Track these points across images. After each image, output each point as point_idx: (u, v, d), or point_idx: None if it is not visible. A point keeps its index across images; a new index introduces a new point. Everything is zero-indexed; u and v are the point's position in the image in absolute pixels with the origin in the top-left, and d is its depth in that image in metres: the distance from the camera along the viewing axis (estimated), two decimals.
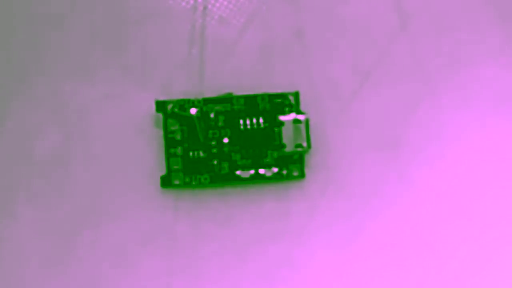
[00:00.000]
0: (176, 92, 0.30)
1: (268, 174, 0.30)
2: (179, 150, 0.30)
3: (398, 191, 0.30)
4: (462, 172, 0.30)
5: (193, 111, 0.30)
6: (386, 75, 0.31)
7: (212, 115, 0.30)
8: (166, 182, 0.30)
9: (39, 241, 0.30)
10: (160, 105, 0.30)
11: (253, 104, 0.30)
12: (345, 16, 0.31)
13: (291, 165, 0.30)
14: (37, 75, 0.31)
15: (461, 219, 0.30)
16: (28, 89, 0.30)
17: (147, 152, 0.30)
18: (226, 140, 0.30)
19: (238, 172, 0.30)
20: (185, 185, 0.30)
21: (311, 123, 0.30)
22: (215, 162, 0.30)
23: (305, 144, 0.30)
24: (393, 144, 0.30)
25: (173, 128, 0.30)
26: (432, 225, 0.30)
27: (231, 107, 0.30)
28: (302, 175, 0.30)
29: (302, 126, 0.30)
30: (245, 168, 0.30)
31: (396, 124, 0.30)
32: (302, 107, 0.30)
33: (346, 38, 0.31)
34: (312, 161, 0.30)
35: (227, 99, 0.30)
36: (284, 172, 0.30)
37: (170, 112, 0.30)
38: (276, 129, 0.30)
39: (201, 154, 0.30)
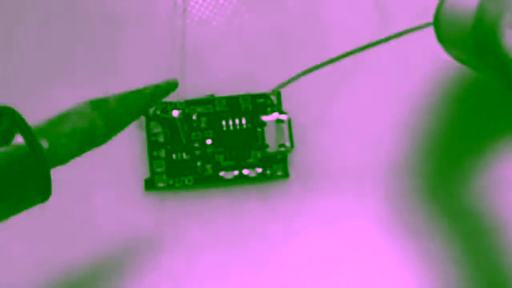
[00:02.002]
0: None
1: (252, 174, 0.30)
2: (162, 153, 0.30)
3: (382, 188, 0.30)
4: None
5: (175, 113, 0.30)
6: (366, 74, 0.31)
7: (194, 117, 0.30)
8: (149, 184, 0.30)
9: (22, 243, 0.30)
10: None
11: (235, 105, 0.30)
12: (325, 16, 0.31)
13: (275, 165, 0.30)
14: (17, 77, 0.30)
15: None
16: (8, 93, 0.30)
17: (130, 155, 0.30)
18: (209, 141, 0.30)
19: (221, 173, 0.30)
20: (169, 187, 0.30)
21: (293, 122, 0.30)
22: (199, 164, 0.30)
23: (288, 144, 0.30)
24: (376, 141, 0.31)
25: (155, 131, 0.30)
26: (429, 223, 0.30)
27: (213, 108, 0.30)
28: (286, 175, 0.30)
29: (285, 126, 0.30)
30: (228, 169, 0.30)
31: (378, 122, 0.31)
32: (284, 107, 0.30)
33: (326, 37, 0.31)
34: (295, 160, 0.30)
35: (209, 100, 0.30)
36: (268, 172, 0.30)
37: (153, 115, 0.30)
38: (259, 129, 0.30)
39: (185, 156, 0.30)
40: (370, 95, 0.31)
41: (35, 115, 0.22)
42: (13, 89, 0.30)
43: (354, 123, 0.31)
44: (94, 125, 0.23)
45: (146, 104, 0.24)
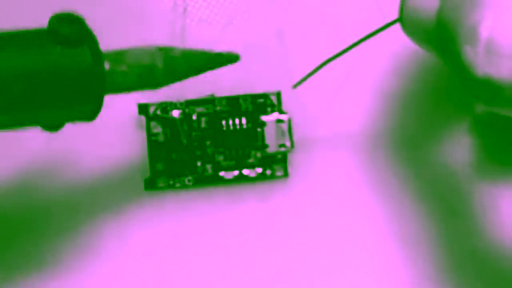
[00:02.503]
0: (158, 94, 0.30)
1: (252, 174, 0.30)
2: (162, 153, 0.30)
3: (381, 189, 0.30)
4: None
5: (175, 113, 0.30)
6: (367, 74, 0.31)
7: (194, 117, 0.30)
8: (150, 184, 0.30)
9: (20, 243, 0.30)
10: (143, 108, 0.30)
11: (235, 105, 0.30)
12: (325, 15, 0.31)
13: (275, 165, 0.30)
14: None
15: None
16: None
17: (130, 155, 0.30)
18: (209, 141, 0.30)
19: (221, 173, 0.30)
20: (169, 187, 0.30)
21: (293, 122, 0.30)
22: (199, 164, 0.30)
23: (288, 144, 0.30)
24: (376, 142, 0.31)
25: (155, 131, 0.30)
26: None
27: (213, 108, 0.30)
28: (285, 175, 0.30)
29: (285, 126, 0.30)
30: (228, 169, 0.30)
31: (378, 122, 0.31)
32: (284, 107, 0.30)
33: (327, 37, 0.31)
34: (295, 160, 0.30)
35: (209, 100, 0.30)
36: (268, 172, 0.30)
37: (153, 115, 0.30)
38: (259, 129, 0.30)
39: (185, 156, 0.30)
40: (370, 95, 0.31)
41: None
42: None
43: (355, 123, 0.31)
44: (155, 65, 0.24)
45: (207, 63, 0.25)
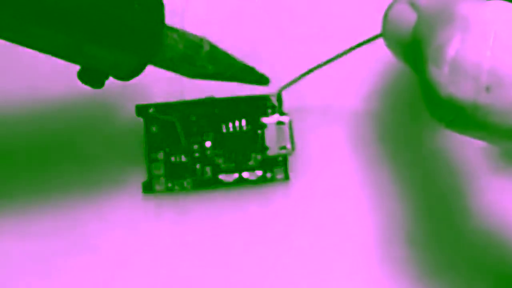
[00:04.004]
0: (157, 96, 0.30)
1: (252, 177, 0.30)
2: (160, 155, 0.29)
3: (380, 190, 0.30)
4: None
5: (174, 115, 0.29)
6: (369, 75, 0.30)
7: (193, 119, 0.30)
8: (148, 187, 0.29)
9: (18, 245, 0.29)
10: (141, 109, 0.29)
11: (235, 106, 0.30)
12: (327, 16, 0.31)
13: (275, 168, 0.30)
14: (15, 77, 0.30)
15: None
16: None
17: (128, 157, 0.30)
18: (208, 143, 0.30)
19: (221, 176, 0.30)
20: (167, 190, 0.29)
21: (294, 124, 0.30)
22: (198, 167, 0.30)
23: (289, 146, 0.29)
24: (378, 145, 0.30)
25: (154, 132, 0.30)
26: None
27: (212, 110, 0.30)
28: (286, 178, 0.30)
29: (286, 128, 0.29)
30: (228, 171, 0.30)
31: (378, 123, 0.30)
32: (284, 109, 0.30)
33: (328, 37, 0.30)
34: (296, 163, 0.30)
35: (208, 102, 0.30)
36: (268, 175, 0.30)
37: (151, 116, 0.29)
38: (259, 131, 0.30)
39: (183, 158, 0.30)
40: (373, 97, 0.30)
41: None
42: None
43: (355, 124, 0.30)
44: (202, 46, 0.25)
45: (240, 72, 0.27)
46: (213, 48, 0.26)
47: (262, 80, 0.28)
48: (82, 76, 0.24)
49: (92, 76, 0.24)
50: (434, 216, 0.30)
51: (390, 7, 0.24)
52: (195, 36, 0.25)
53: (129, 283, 0.29)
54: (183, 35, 0.25)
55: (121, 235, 0.29)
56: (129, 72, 0.24)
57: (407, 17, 0.23)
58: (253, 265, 0.30)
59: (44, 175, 0.30)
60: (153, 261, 0.29)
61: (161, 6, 0.24)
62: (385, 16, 0.24)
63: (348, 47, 0.27)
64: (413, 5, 0.23)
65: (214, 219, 0.30)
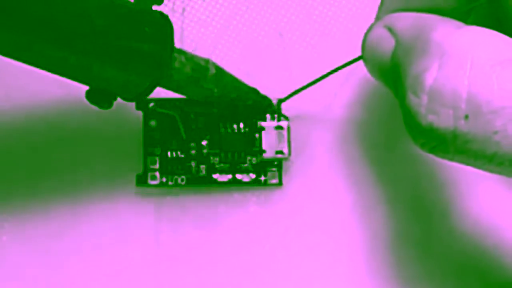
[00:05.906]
0: (157, 91, 0.30)
1: (246, 179, 0.30)
2: (157, 149, 0.30)
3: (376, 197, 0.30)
4: None
5: (174, 109, 0.29)
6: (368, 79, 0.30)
7: (192, 116, 0.30)
8: (142, 180, 0.30)
9: (16, 244, 0.30)
10: (141, 103, 0.29)
11: (234, 108, 0.29)
12: (328, 17, 0.30)
13: (270, 172, 0.30)
14: (12, 78, 0.30)
15: None
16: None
17: (125, 150, 0.30)
18: (204, 142, 0.30)
19: (215, 176, 0.30)
20: (161, 185, 0.30)
21: (291, 128, 0.29)
22: (193, 164, 0.30)
23: (286, 151, 0.29)
24: (372, 148, 0.30)
25: (152, 126, 0.30)
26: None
27: (211, 109, 0.30)
28: (279, 183, 0.30)
29: (284, 133, 0.29)
30: (222, 172, 0.30)
31: (377, 129, 0.30)
32: (283, 112, 0.30)
33: (329, 38, 0.30)
34: (290, 167, 0.30)
35: (208, 101, 0.29)
36: (262, 178, 0.30)
37: (151, 111, 0.30)
38: (256, 134, 0.29)
39: (180, 154, 0.30)
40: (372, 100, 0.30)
41: None
42: None
43: (354, 128, 0.30)
44: (208, 68, 0.26)
45: (246, 94, 0.28)
46: (219, 70, 0.26)
47: (264, 101, 0.28)
48: (91, 96, 0.24)
49: (100, 96, 0.24)
50: (421, 219, 0.29)
51: (368, 31, 0.24)
52: (201, 59, 0.26)
53: (129, 283, 0.30)
54: (190, 58, 0.25)
55: (121, 235, 0.30)
56: (137, 94, 0.24)
57: (385, 42, 0.22)
58: (245, 265, 0.30)
59: (43, 175, 0.30)
60: (153, 261, 0.30)
61: (170, 29, 0.24)
62: (364, 41, 0.24)
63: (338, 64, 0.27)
64: (390, 30, 0.22)
65: (208, 216, 0.30)
